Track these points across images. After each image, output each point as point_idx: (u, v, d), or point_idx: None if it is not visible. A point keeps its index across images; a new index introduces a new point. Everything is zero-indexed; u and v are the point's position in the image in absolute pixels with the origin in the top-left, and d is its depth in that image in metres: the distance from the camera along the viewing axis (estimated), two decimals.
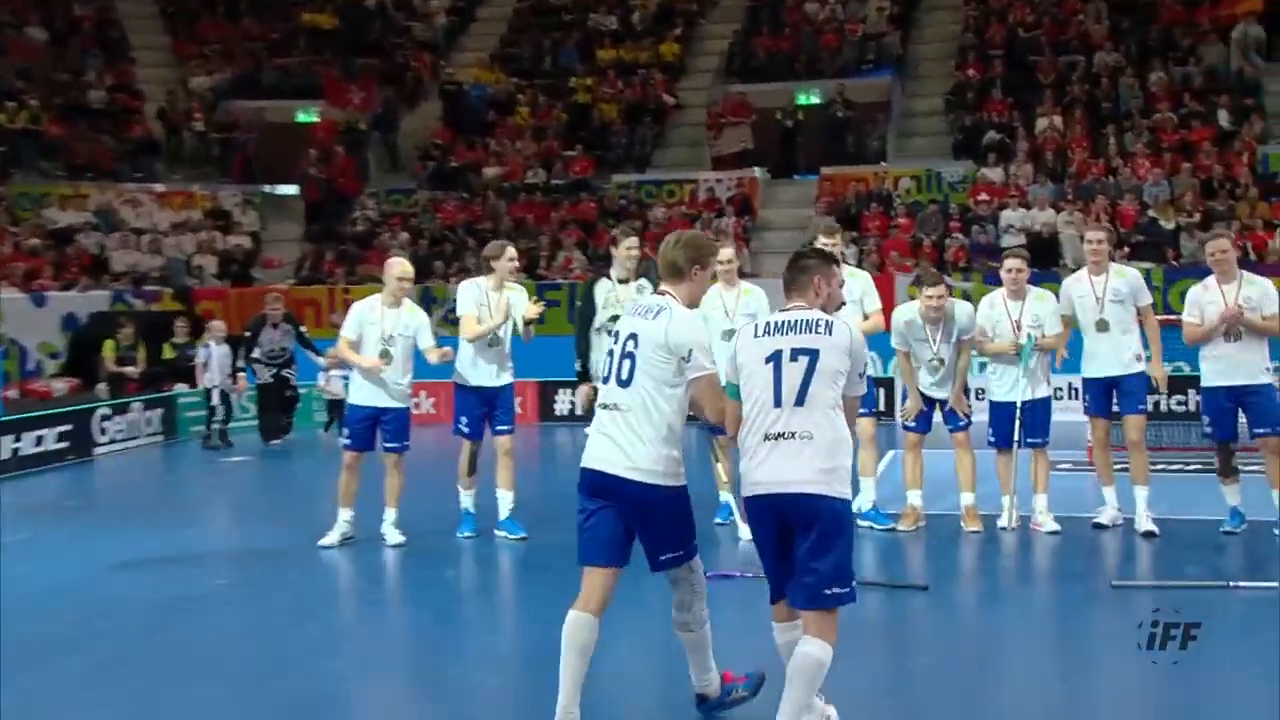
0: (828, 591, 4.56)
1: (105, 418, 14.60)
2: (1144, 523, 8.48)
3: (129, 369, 16.17)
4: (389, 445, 8.79)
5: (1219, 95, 20.29)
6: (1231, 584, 7.01)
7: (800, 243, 18.94)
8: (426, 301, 16.67)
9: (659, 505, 4.83)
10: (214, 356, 15.03)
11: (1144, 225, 18.10)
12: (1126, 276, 8.72)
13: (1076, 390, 12.66)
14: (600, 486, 4.87)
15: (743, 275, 10.24)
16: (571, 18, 25.38)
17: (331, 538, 8.71)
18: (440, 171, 22.61)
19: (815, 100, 22.82)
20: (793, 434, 4.61)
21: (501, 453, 8.93)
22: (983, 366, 9.41)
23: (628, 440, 4.81)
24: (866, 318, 8.62)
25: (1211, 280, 8.53)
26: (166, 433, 15.70)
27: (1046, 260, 17.05)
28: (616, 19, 25.10)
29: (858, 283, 8.69)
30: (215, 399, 15.00)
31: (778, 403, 4.65)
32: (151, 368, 16.41)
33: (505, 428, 8.96)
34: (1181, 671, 5.61)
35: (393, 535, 8.77)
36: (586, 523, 4.90)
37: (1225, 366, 8.42)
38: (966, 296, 9.44)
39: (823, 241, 8.26)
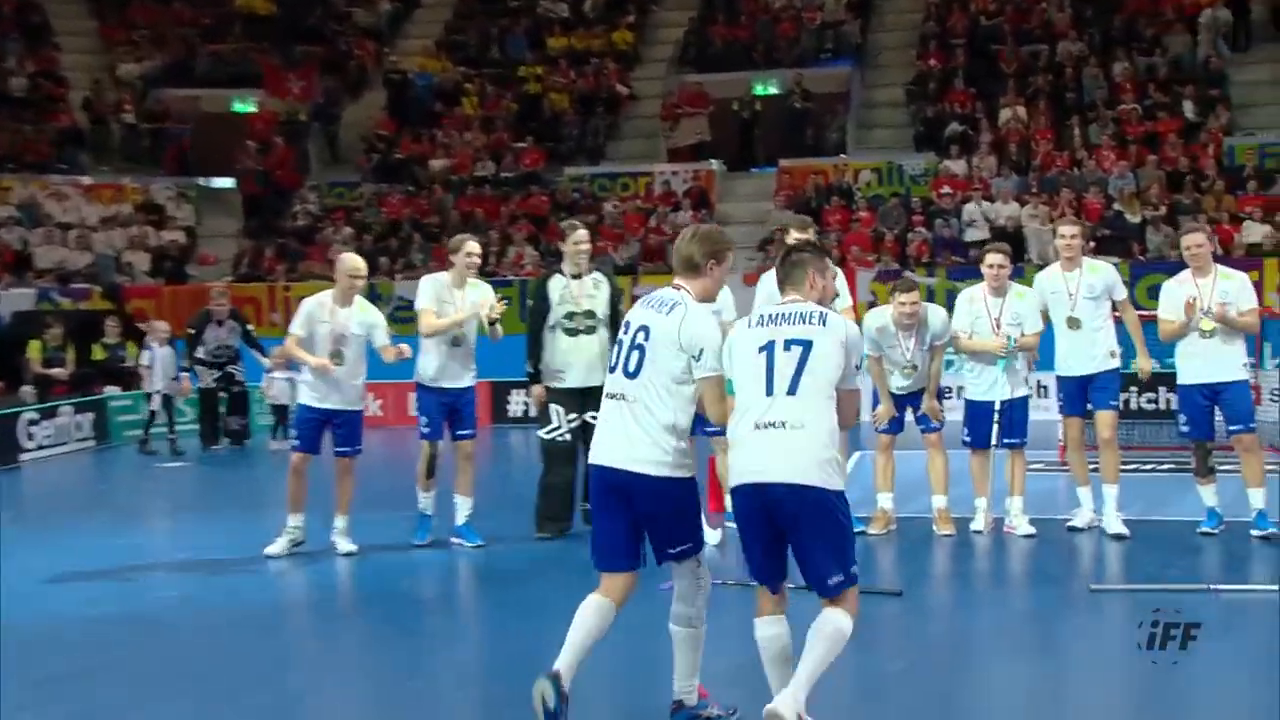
0: (831, 581, 4.69)
1: (32, 422, 14.35)
2: (1114, 524, 8.55)
3: (57, 371, 15.90)
4: (340, 449, 8.69)
5: (1184, 86, 20.58)
6: (1211, 587, 7.09)
7: (758, 237, 19.14)
8: (371, 299, 16.39)
9: (664, 497, 4.89)
10: (157, 358, 14.79)
11: (1109, 219, 18.33)
12: (1100, 272, 8.77)
13: (1046, 389, 12.83)
14: (606, 481, 4.96)
15: None
16: (520, 4, 25.26)
17: (278, 546, 8.60)
18: (385, 164, 22.46)
19: (773, 90, 22.90)
20: (784, 423, 4.67)
21: (462, 457, 8.88)
22: (950, 364, 9.44)
23: (632, 433, 4.88)
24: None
25: (1186, 275, 8.62)
26: (98, 438, 15.45)
27: (1011, 255, 17.17)
28: (567, 6, 25.02)
29: None
30: (156, 403, 14.76)
31: (769, 391, 4.72)
32: (81, 369, 16.15)
33: (467, 432, 8.91)
34: (1164, 676, 5.66)
35: (343, 544, 8.67)
36: (597, 528, 5.05)
37: (1201, 364, 8.49)
38: (931, 292, 9.48)
39: (795, 236, 8.26)
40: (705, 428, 6.28)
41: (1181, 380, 8.66)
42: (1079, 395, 8.79)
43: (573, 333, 8.92)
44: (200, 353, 14.62)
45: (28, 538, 9.94)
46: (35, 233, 20.29)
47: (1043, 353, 9.09)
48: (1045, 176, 19.58)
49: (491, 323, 8.61)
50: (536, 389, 9.01)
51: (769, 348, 4.77)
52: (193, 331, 14.71)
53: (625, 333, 5.03)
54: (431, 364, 8.73)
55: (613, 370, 5.03)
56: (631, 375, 4.92)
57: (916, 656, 6.22)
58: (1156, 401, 13.99)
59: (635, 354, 4.92)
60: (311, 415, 8.65)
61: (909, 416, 8.95)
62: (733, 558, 7.49)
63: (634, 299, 20.14)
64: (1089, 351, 8.65)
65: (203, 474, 13.73)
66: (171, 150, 23.41)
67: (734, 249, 5.42)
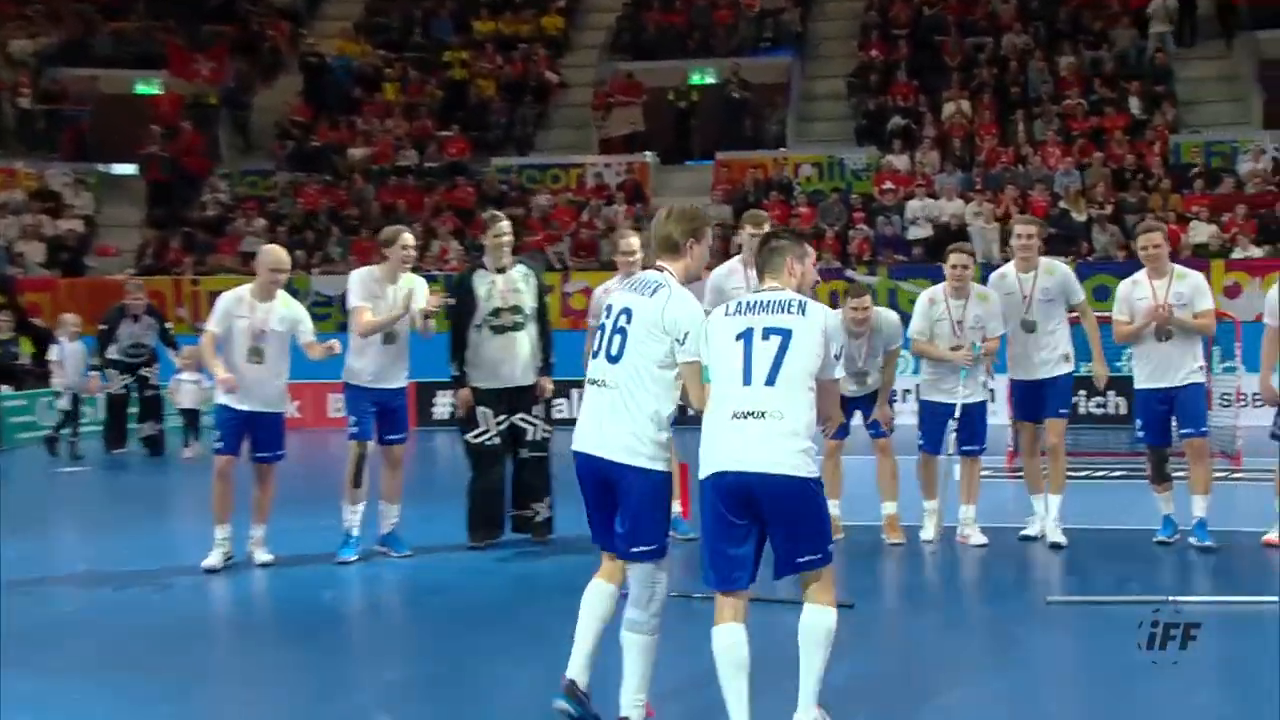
0: (801, 560, 4.79)
1: None
2: (1053, 533, 8.60)
3: None
4: (260, 454, 8.49)
5: (1130, 82, 20.94)
6: (1171, 599, 7.13)
7: None
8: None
9: (634, 489, 4.93)
10: (66, 354, 14.38)
11: (1055, 217, 18.56)
12: (1055, 274, 8.81)
13: (993, 392, 12.92)
14: (584, 467, 5.07)
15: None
16: None
17: (215, 558, 8.36)
18: (300, 152, 22.21)
19: (710, 80, 22.97)
20: (762, 413, 4.74)
21: (391, 463, 8.74)
22: (915, 365, 9.39)
23: (610, 419, 4.97)
24: None
25: (1142, 275, 8.67)
26: None
27: (974, 256, 17.36)
28: None
29: None
30: (66, 402, 14.36)
31: (747, 380, 4.78)
32: None
33: (398, 436, 8.77)
34: (1126, 693, 5.69)
35: (260, 554, 8.50)
36: (588, 509, 5.15)
37: (1156, 368, 8.56)
38: (872, 291, 9.46)
39: (751, 232, 8.28)
40: None
41: (1138, 385, 8.72)
42: (1032, 400, 8.83)
43: (500, 330, 8.83)
44: (113, 351, 14.25)
45: None
46: None
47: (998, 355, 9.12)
48: (990, 173, 19.82)
49: (426, 316, 8.48)
50: (463, 392, 8.90)
51: (747, 336, 4.83)
52: (105, 328, 14.34)
53: (607, 317, 5.10)
54: (365, 363, 8.56)
55: (595, 355, 5.09)
56: (614, 359, 4.99)
57: (870, 673, 6.18)
58: (1105, 406, 14.18)
59: (618, 338, 4.99)
60: (232, 415, 8.42)
61: (856, 419, 8.93)
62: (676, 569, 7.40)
63: (565, 295, 19.92)
64: (1043, 355, 8.69)
65: (106, 480, 13.41)
66: (69, 134, 22.99)
67: (711, 225, 5.46)
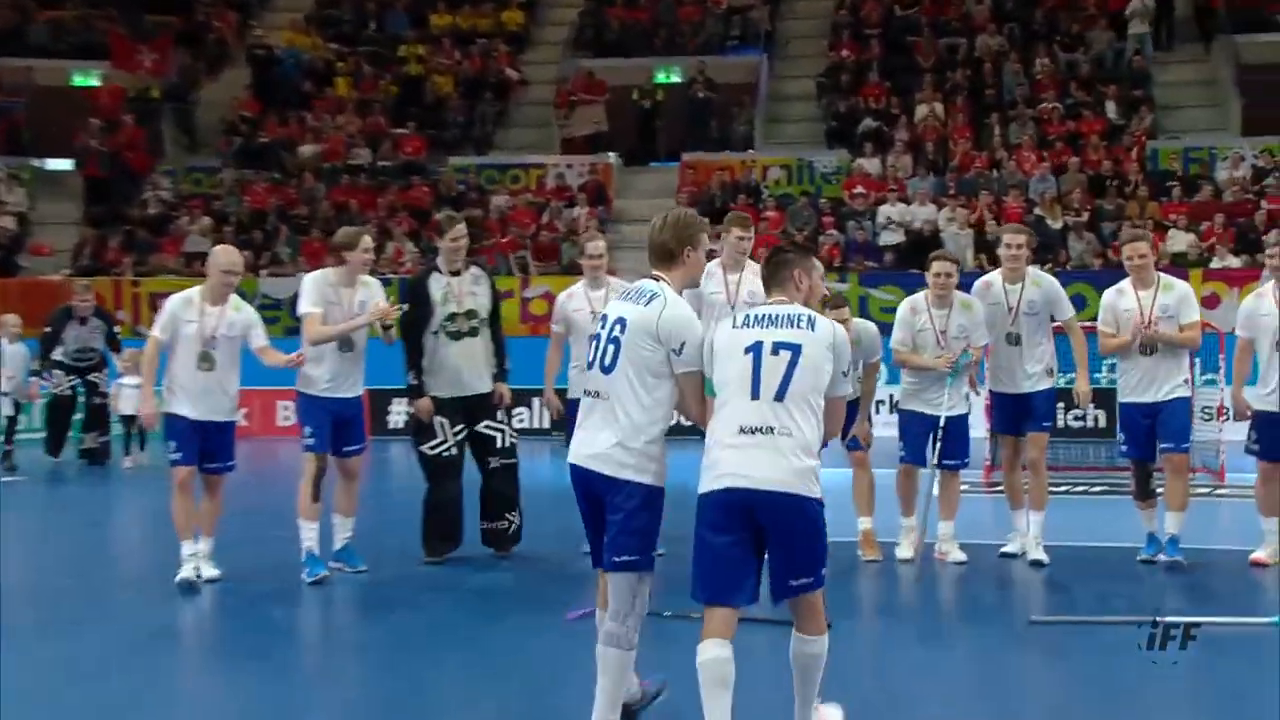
0: (794, 583, 4.83)
1: None
2: (1035, 550, 8.63)
3: None
4: (209, 465, 8.38)
5: (1107, 85, 21.12)
6: (1157, 619, 7.14)
7: None
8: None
9: (623, 502, 4.92)
10: (5, 357, 14.13)
11: (1030, 224, 18.63)
12: (1042, 286, 8.79)
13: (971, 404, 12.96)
14: (577, 481, 5.08)
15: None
16: None
17: (186, 572, 8.20)
18: (248, 148, 22.07)
19: (675, 79, 23.00)
20: (770, 429, 4.78)
21: (347, 475, 8.65)
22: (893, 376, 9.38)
23: (601, 429, 4.97)
24: None
25: (1127, 284, 8.71)
26: None
27: (959, 264, 17.44)
28: None
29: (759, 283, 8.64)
30: (7, 407, 14.12)
31: (755, 395, 4.81)
32: None
33: (356, 447, 8.69)
34: (1112, 716, 5.69)
35: (207, 569, 8.36)
36: (585, 527, 5.16)
37: (1140, 381, 8.60)
38: (843, 299, 9.45)
39: (737, 234, 8.28)
40: None
41: (1122, 399, 8.77)
42: (1014, 413, 8.87)
43: (457, 336, 8.77)
44: (59, 354, 14.05)
45: None
46: None
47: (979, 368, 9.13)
48: (964, 178, 19.93)
49: (386, 327, 8.40)
50: (422, 402, 8.80)
51: (756, 349, 4.85)
52: (49, 330, 14.12)
53: (602, 326, 5.10)
54: (321, 371, 8.44)
55: (590, 366, 5.10)
56: (607, 370, 4.99)
57: (850, 697, 6.14)
58: (1085, 419, 14.25)
59: (611, 347, 4.99)
60: (186, 424, 8.28)
61: None
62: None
63: (524, 301, 19.79)
64: (1026, 369, 8.72)
65: (43, 491, 13.19)
66: (2, 126, 22.75)
67: (708, 231, 5.45)
